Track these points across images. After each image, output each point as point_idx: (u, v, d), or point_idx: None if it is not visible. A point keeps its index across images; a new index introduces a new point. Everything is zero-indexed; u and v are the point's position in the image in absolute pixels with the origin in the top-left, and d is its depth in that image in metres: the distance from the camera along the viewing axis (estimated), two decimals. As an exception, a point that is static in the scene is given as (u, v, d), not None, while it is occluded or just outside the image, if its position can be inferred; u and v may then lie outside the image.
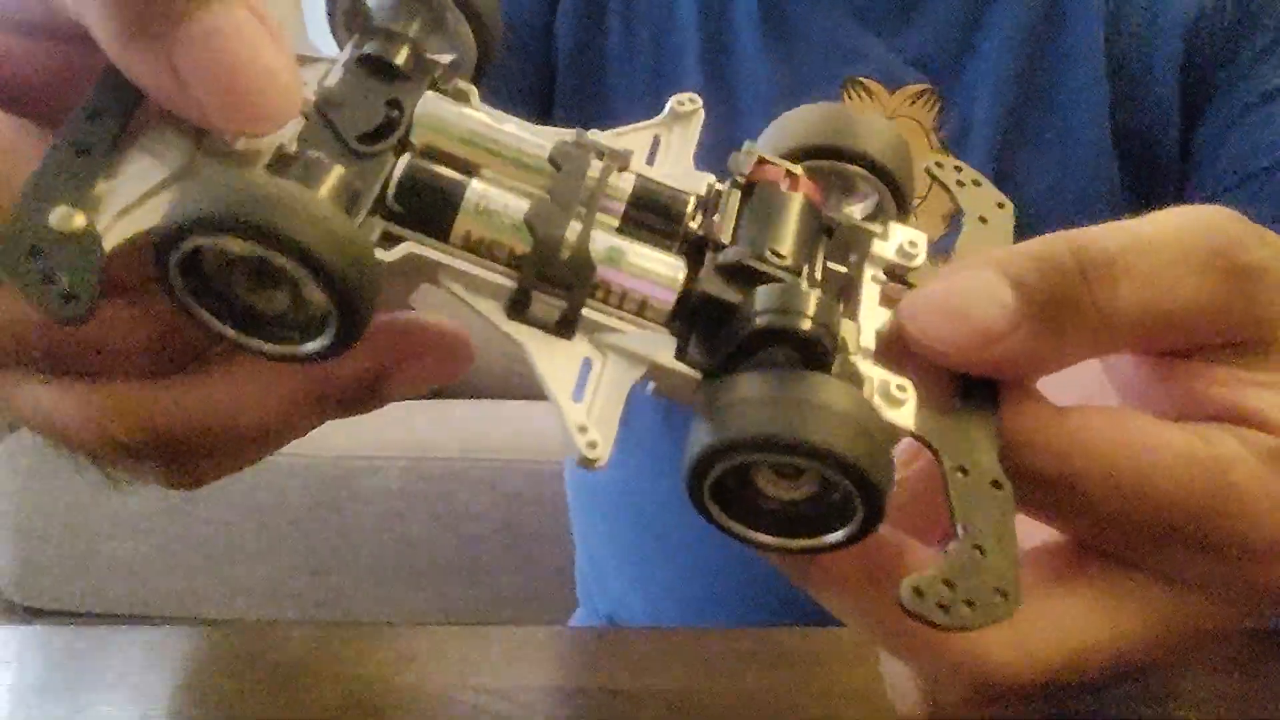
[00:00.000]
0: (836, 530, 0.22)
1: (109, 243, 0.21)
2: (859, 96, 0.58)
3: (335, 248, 0.20)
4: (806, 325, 0.21)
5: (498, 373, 1.83)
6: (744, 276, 0.23)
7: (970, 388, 0.24)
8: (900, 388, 0.23)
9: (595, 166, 0.24)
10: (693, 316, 0.23)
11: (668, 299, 0.23)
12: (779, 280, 0.23)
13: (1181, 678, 0.35)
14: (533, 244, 0.22)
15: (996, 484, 0.22)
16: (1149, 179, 0.58)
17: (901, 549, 0.24)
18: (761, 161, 0.25)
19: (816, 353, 0.22)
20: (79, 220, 0.21)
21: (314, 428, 0.26)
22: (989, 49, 0.57)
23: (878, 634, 0.25)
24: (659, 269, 0.23)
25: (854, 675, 0.37)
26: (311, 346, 0.21)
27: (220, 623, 1.56)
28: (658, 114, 0.28)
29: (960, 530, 0.22)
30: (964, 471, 0.22)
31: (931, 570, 0.21)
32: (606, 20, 0.59)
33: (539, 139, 0.24)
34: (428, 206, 0.23)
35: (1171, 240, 0.24)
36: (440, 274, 0.23)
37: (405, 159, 0.23)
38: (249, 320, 0.22)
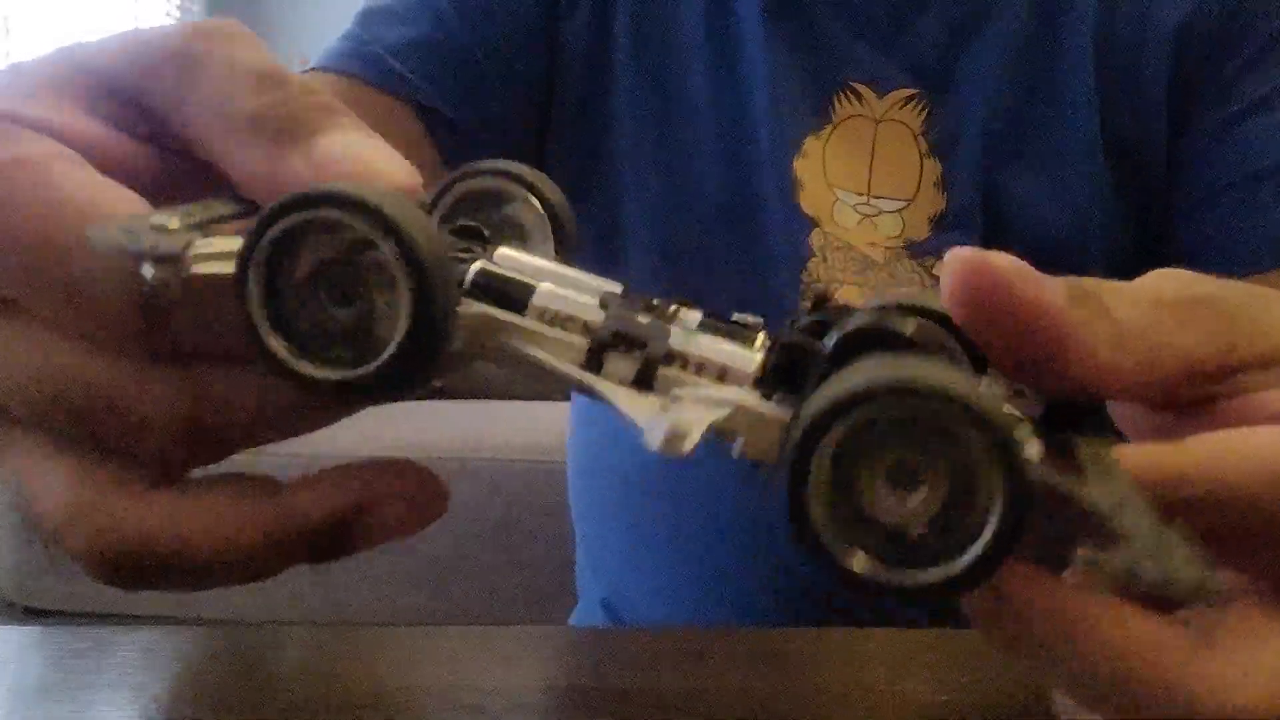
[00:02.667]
0: (962, 554, 0.19)
1: (192, 268, 0.22)
2: (850, 100, 0.59)
3: (431, 244, 0.21)
4: (910, 327, 0.21)
5: (497, 373, 1.83)
6: (825, 331, 0.22)
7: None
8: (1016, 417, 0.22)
9: (661, 301, 0.24)
10: (776, 373, 0.22)
11: (747, 367, 0.22)
12: None
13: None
14: (605, 315, 0.23)
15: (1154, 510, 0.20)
16: (1140, 188, 0.58)
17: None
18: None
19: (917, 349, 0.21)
20: (175, 221, 0.22)
21: (275, 573, 0.26)
22: (980, 58, 0.58)
23: (1062, 678, 0.23)
24: (735, 347, 0.23)
25: (854, 676, 0.37)
26: (368, 368, 0.21)
27: (220, 623, 1.56)
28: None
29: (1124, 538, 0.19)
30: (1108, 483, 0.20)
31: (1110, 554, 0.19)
32: (614, 29, 0.60)
33: (607, 282, 0.25)
34: (501, 297, 0.23)
35: (1135, 288, 0.25)
36: (511, 336, 0.23)
37: (481, 263, 0.24)
38: (303, 345, 0.22)
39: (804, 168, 0.59)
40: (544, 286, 0.23)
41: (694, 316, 0.24)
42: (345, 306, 0.22)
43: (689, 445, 0.20)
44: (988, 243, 0.58)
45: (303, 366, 0.22)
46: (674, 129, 0.59)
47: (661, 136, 0.59)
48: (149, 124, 0.25)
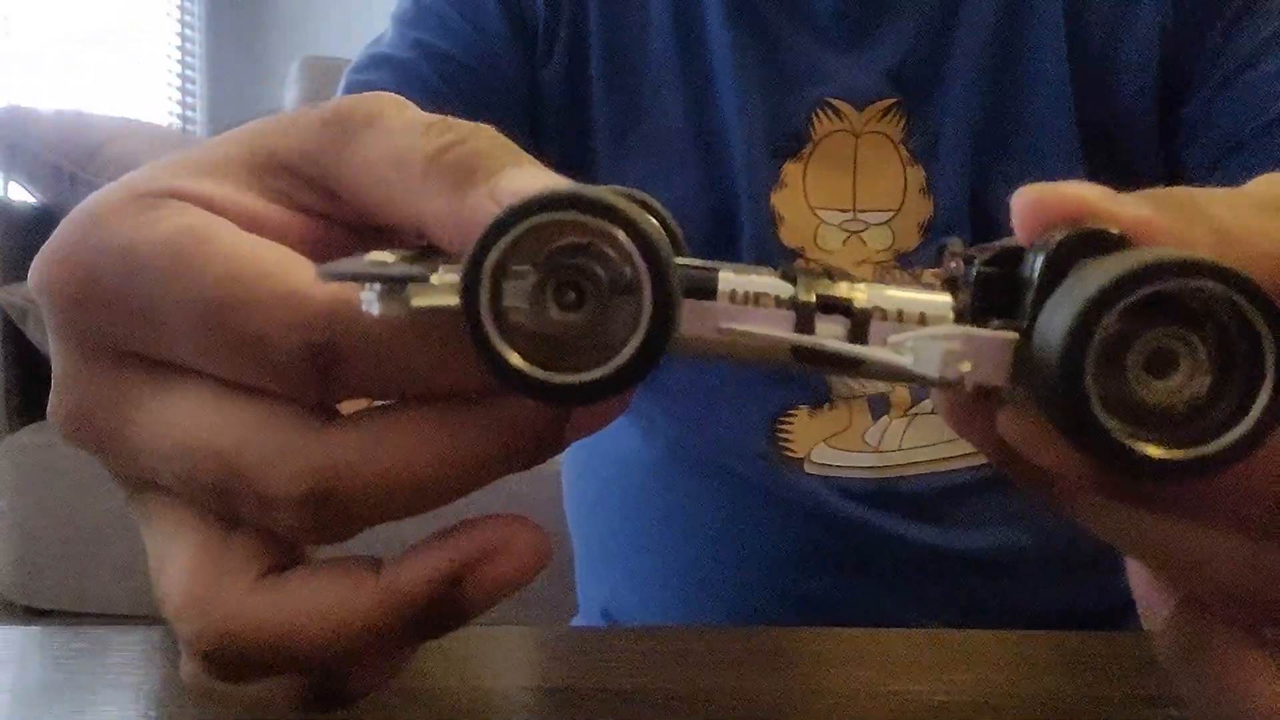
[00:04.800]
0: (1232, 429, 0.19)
1: (413, 301, 0.21)
2: (829, 117, 0.58)
3: (661, 235, 0.21)
4: (1114, 228, 0.21)
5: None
6: (1015, 259, 0.22)
7: None
8: None
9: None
10: (980, 304, 0.22)
11: (944, 310, 0.22)
12: None
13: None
14: (795, 287, 0.23)
15: None
16: (1120, 173, 0.58)
17: None
18: None
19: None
20: (391, 258, 0.22)
21: (387, 656, 0.26)
22: (954, 62, 0.58)
23: None
24: (924, 294, 0.23)
25: (854, 676, 0.37)
26: (610, 367, 0.21)
27: (220, 623, 1.56)
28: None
29: None
30: None
31: None
32: (590, 70, 0.60)
33: None
34: (690, 288, 0.23)
35: (1231, 192, 0.23)
36: (718, 319, 0.23)
37: None
38: (530, 357, 0.21)
39: (783, 199, 0.58)
40: (724, 273, 0.23)
41: (864, 282, 0.24)
42: (574, 312, 0.21)
43: (966, 367, 0.21)
44: (978, 244, 0.58)
45: (544, 375, 0.21)
46: (650, 166, 0.59)
47: (639, 174, 0.59)
48: (309, 194, 0.25)
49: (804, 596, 0.61)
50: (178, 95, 3.07)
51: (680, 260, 0.23)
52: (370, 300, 0.21)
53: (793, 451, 0.60)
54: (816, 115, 0.58)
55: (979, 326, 0.22)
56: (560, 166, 0.24)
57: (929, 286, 0.23)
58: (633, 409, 0.65)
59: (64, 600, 1.63)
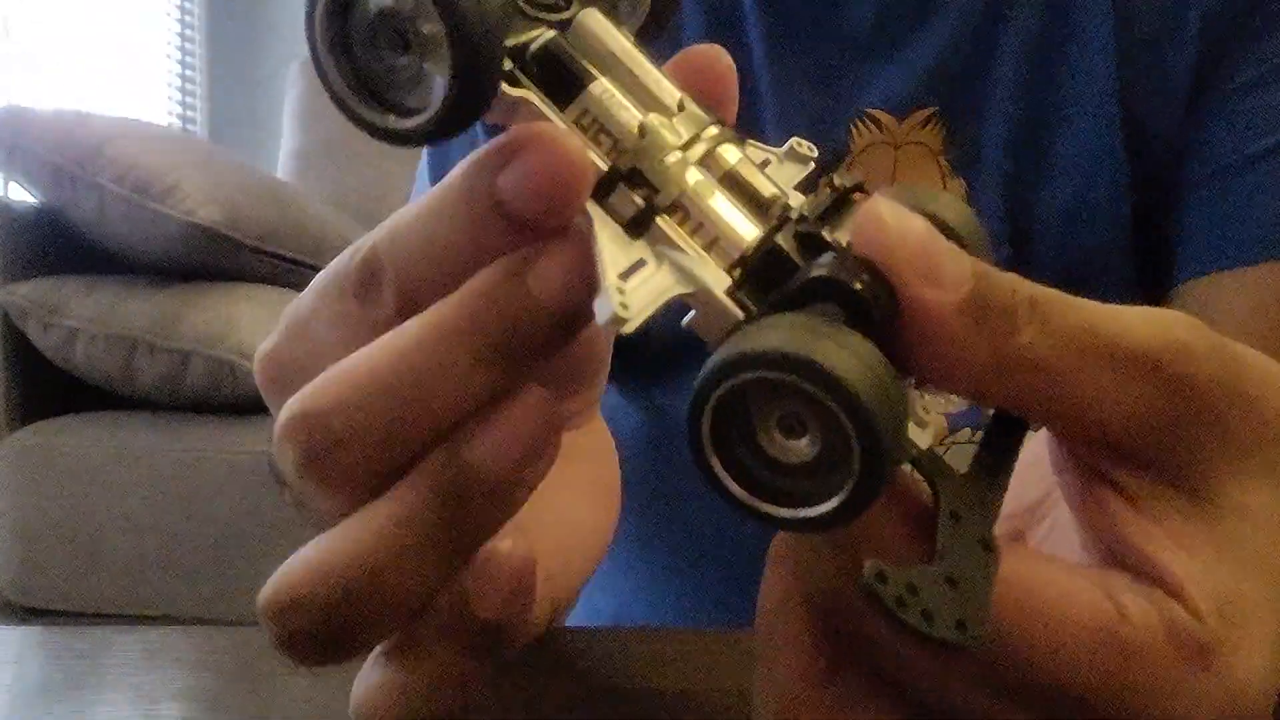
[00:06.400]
0: (819, 504, 0.21)
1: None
2: (868, 128, 0.57)
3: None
4: (859, 285, 0.21)
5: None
6: (816, 249, 0.23)
7: (987, 457, 0.23)
8: (925, 409, 0.23)
9: (713, 130, 0.24)
10: (755, 271, 0.23)
11: (737, 245, 0.23)
12: None
13: None
14: (636, 142, 0.23)
15: (986, 545, 0.22)
16: (1163, 191, 0.56)
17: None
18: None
19: (862, 315, 0.21)
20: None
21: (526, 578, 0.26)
22: (996, 68, 0.56)
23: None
24: (736, 218, 0.23)
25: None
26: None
27: (220, 623, 1.56)
28: None
29: (938, 560, 0.21)
30: (956, 518, 0.22)
31: (901, 570, 0.21)
32: None
33: (672, 89, 0.25)
34: (557, 78, 0.23)
35: (1081, 317, 0.22)
36: (551, 120, 0.23)
37: (552, 33, 0.24)
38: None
39: None
40: (596, 86, 0.23)
41: (733, 155, 0.24)
42: (403, 55, 0.22)
43: (629, 329, 0.21)
44: (1016, 259, 0.56)
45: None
46: None
47: None
48: None
49: None
50: (178, 95, 3.07)
51: (566, 49, 0.23)
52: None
53: None
54: (856, 127, 0.57)
55: (743, 285, 0.22)
56: None
57: (760, 208, 0.23)
58: (642, 419, 0.64)
59: (64, 600, 1.63)
